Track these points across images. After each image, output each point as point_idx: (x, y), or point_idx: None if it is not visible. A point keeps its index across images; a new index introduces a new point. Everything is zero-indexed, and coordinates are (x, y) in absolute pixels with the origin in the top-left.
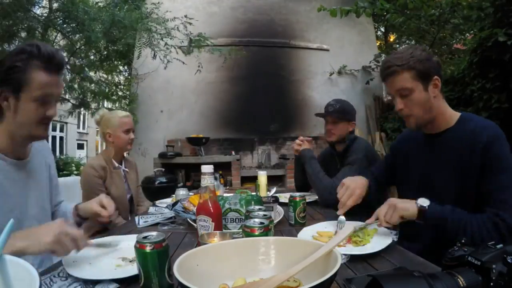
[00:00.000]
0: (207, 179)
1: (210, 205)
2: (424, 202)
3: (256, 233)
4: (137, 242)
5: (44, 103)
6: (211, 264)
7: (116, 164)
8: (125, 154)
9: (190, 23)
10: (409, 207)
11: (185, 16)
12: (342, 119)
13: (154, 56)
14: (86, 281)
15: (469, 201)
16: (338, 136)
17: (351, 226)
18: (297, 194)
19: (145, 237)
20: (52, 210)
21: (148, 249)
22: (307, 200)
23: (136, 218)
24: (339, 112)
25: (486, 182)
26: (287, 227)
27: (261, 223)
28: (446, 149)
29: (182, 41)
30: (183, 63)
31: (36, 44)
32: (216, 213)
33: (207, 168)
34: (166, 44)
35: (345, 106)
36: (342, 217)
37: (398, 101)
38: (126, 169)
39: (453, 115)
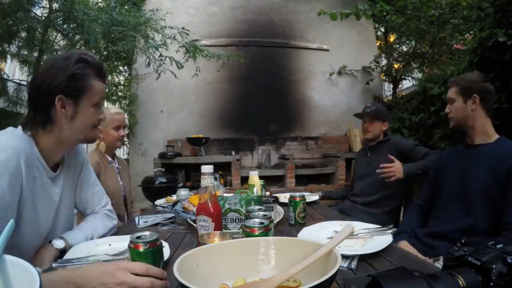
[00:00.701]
0: (207, 179)
1: (210, 205)
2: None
3: (256, 233)
4: (131, 242)
5: (98, 108)
6: (211, 264)
7: (110, 159)
8: (116, 152)
9: (187, 34)
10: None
11: (183, 28)
12: (377, 119)
13: (148, 64)
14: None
15: (495, 204)
16: (373, 134)
17: (351, 226)
18: (297, 194)
19: (138, 237)
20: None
21: (142, 248)
22: (307, 200)
23: (136, 218)
24: (375, 112)
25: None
26: (287, 227)
27: (261, 223)
28: (482, 157)
29: (178, 50)
30: (175, 76)
31: (85, 53)
32: (216, 213)
33: (207, 168)
34: (161, 55)
35: (380, 108)
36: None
37: (447, 106)
38: (119, 166)
39: (493, 135)
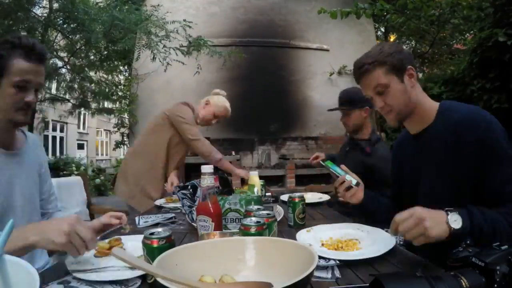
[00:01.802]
0: (207, 179)
1: (210, 205)
2: (455, 222)
3: (252, 231)
4: (147, 238)
5: (22, 89)
6: (190, 263)
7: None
8: None
9: (190, 26)
10: (441, 233)
11: (184, 20)
12: (352, 109)
13: (154, 59)
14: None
15: (465, 202)
16: (352, 126)
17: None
18: (297, 194)
19: (152, 233)
20: (43, 209)
21: (160, 243)
22: (307, 201)
23: (137, 219)
24: (345, 103)
25: (489, 179)
26: (287, 227)
27: (257, 222)
28: (429, 150)
29: (182, 44)
30: (183, 63)
31: (19, 36)
32: (216, 213)
33: (207, 168)
34: (164, 46)
35: (351, 94)
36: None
37: (376, 99)
38: None
39: (433, 107)
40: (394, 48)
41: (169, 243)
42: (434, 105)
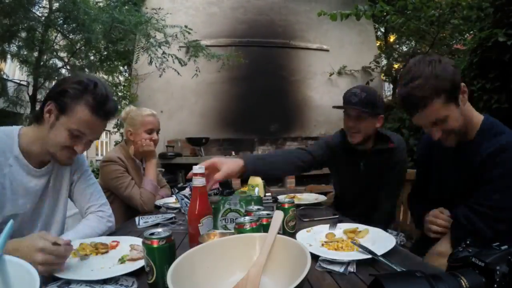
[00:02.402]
0: (199, 180)
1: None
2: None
3: (246, 228)
4: (147, 239)
5: (75, 137)
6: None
7: (137, 161)
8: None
9: (189, 32)
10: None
11: (186, 27)
12: (369, 114)
13: (150, 62)
14: (91, 282)
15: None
16: (363, 136)
17: (280, 212)
18: (286, 200)
19: (152, 234)
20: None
21: (160, 244)
22: (304, 202)
23: (137, 219)
24: (366, 104)
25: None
26: None
27: (251, 219)
28: (466, 164)
29: (180, 49)
30: (178, 73)
31: (95, 82)
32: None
33: (197, 169)
34: (163, 52)
35: (372, 96)
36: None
37: (433, 130)
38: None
39: (477, 122)
40: (448, 70)
41: (169, 243)
42: (478, 120)
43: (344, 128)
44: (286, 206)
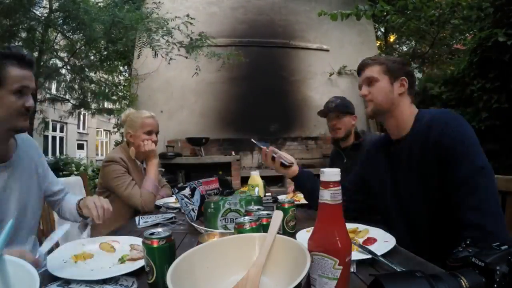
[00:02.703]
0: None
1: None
2: None
3: (247, 228)
4: (147, 239)
5: (22, 95)
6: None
7: (138, 163)
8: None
9: (191, 23)
10: None
11: (187, 16)
12: (345, 113)
13: (156, 55)
14: (91, 282)
15: (441, 212)
16: (344, 131)
17: (280, 212)
18: (286, 200)
19: (152, 234)
20: (49, 200)
21: (160, 243)
22: (302, 202)
23: (137, 219)
24: (341, 106)
25: (450, 177)
26: None
27: (251, 219)
28: (406, 155)
29: (183, 41)
30: (186, 57)
31: (8, 46)
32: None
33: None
34: (167, 41)
35: (345, 100)
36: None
37: (363, 88)
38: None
39: (411, 116)
40: (399, 60)
41: (169, 243)
42: (412, 114)
43: (328, 129)
44: (286, 206)
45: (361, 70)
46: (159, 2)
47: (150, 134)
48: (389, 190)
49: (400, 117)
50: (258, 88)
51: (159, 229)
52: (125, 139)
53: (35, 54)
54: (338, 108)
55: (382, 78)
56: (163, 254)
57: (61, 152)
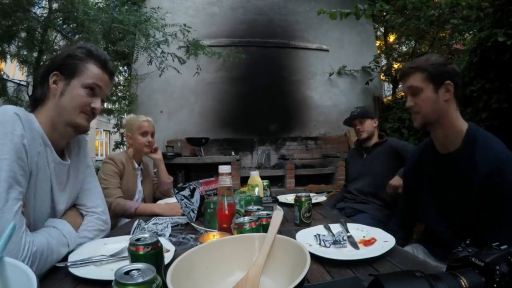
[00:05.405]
0: (225, 179)
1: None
2: None
3: (247, 228)
4: (132, 245)
5: (92, 94)
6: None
7: (136, 165)
8: (143, 159)
9: (189, 31)
10: None
11: (184, 25)
12: (366, 117)
13: (150, 62)
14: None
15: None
16: (367, 132)
17: (280, 212)
18: (303, 194)
19: (138, 239)
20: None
21: (145, 250)
22: (314, 201)
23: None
24: (362, 112)
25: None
26: (287, 227)
27: (250, 219)
28: (452, 175)
29: (179, 48)
30: (178, 72)
31: (95, 47)
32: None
33: (224, 169)
34: (162, 51)
35: (365, 108)
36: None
37: (408, 98)
38: (143, 173)
39: (460, 130)
40: (440, 61)
41: (155, 250)
42: (463, 127)
43: (355, 134)
44: (303, 199)
45: (403, 79)
46: (158, 8)
47: (145, 135)
48: (430, 198)
49: (449, 128)
50: (258, 88)
51: (146, 235)
52: (125, 141)
53: (35, 54)
54: (359, 115)
55: (426, 87)
56: (146, 262)
57: None
